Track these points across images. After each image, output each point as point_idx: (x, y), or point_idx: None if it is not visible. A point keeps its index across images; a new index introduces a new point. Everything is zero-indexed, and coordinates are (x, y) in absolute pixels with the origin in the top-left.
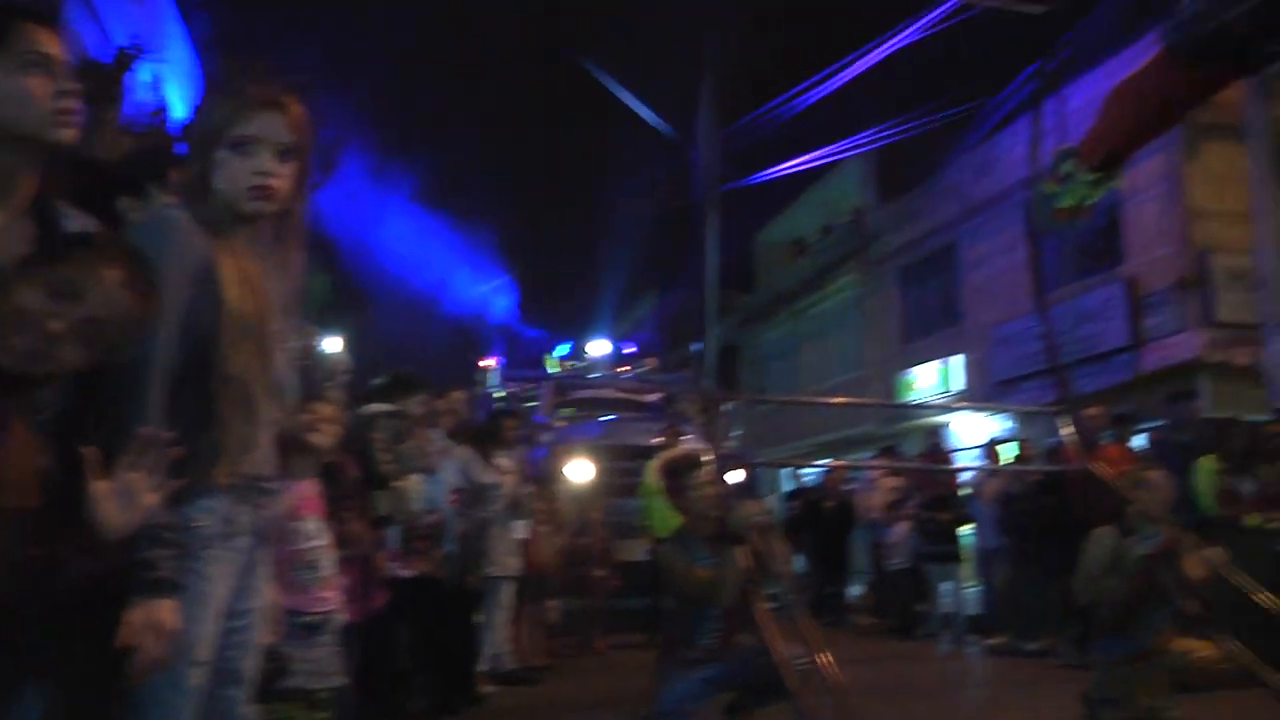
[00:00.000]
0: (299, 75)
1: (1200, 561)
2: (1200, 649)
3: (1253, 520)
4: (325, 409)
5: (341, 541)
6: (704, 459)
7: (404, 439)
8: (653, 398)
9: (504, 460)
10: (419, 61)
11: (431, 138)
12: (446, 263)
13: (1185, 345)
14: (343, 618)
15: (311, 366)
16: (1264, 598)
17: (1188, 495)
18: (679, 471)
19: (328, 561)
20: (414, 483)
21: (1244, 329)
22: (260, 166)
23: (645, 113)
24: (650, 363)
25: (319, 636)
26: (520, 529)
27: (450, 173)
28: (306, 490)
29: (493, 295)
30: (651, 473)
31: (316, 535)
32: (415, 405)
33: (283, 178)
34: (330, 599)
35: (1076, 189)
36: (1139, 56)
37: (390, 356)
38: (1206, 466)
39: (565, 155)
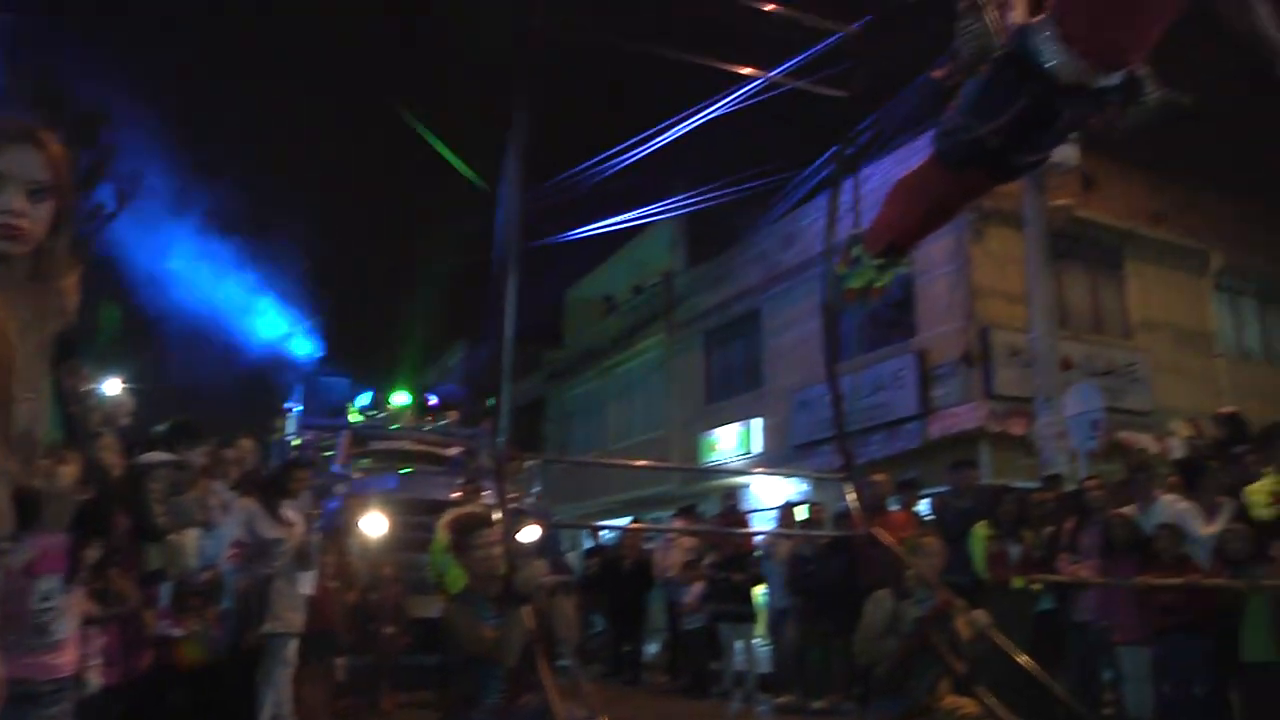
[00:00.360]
0: (90, 103)
1: (968, 623)
2: (967, 706)
3: (1018, 583)
4: (71, 456)
5: (105, 598)
6: (493, 517)
7: (183, 490)
8: (453, 451)
9: (290, 512)
10: (231, 97)
11: (238, 173)
12: (247, 303)
13: (968, 416)
14: (96, 682)
15: (84, 410)
16: (1023, 659)
17: (965, 559)
18: (466, 530)
19: (66, 623)
20: (190, 537)
21: (1020, 401)
22: (7, 205)
23: (457, 163)
24: (452, 415)
25: (46, 709)
26: (306, 583)
27: (256, 209)
28: (49, 546)
29: (295, 339)
30: (440, 530)
31: (53, 596)
32: (198, 455)
33: (34, 217)
34: (65, 665)
35: (864, 272)
36: (929, 147)
37: (181, 399)
38: (980, 532)
39: (378, 201)
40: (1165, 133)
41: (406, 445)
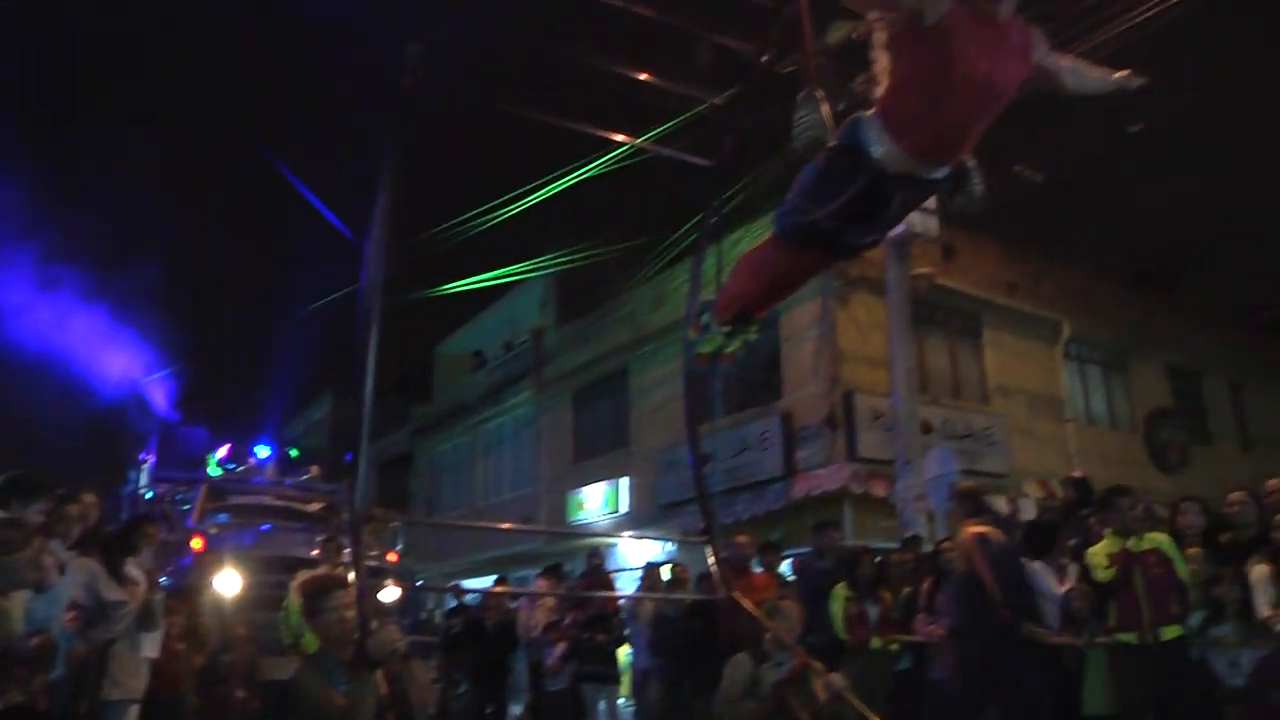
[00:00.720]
0: None
1: (825, 685)
2: None
3: (876, 643)
4: None
5: None
6: (347, 579)
7: (14, 550)
8: (315, 507)
9: (135, 570)
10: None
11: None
12: (97, 347)
13: (831, 477)
14: None
15: None
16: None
17: (826, 619)
18: (318, 592)
19: None
20: (18, 600)
21: (881, 464)
22: None
23: (328, 214)
24: (315, 470)
25: None
26: (150, 645)
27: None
28: None
29: (150, 388)
30: (292, 593)
31: None
32: (33, 513)
33: None
34: None
35: (713, 338)
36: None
37: (19, 449)
38: (839, 593)
39: (243, 247)
40: (1020, 207)
41: (266, 500)
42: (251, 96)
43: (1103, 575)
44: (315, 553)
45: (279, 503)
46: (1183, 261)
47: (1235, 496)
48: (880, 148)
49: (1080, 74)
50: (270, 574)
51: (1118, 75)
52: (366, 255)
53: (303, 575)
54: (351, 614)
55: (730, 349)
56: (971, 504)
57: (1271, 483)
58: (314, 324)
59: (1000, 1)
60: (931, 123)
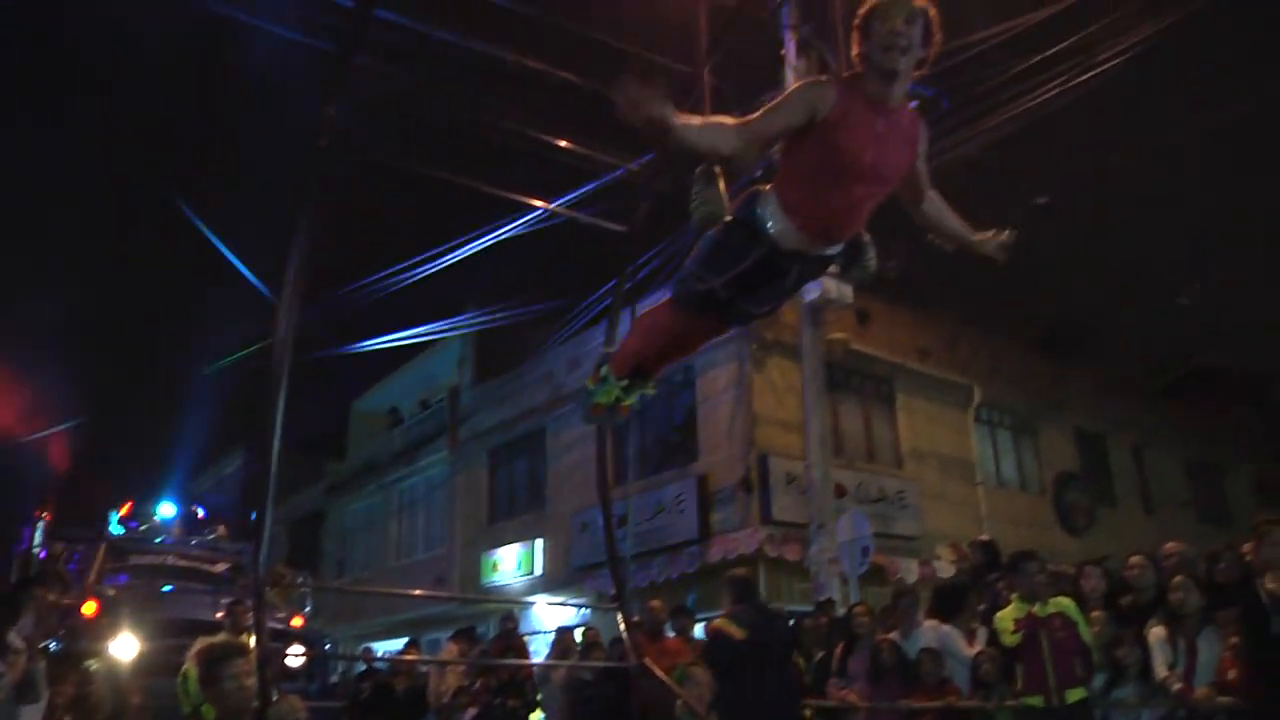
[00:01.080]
0: None
1: None
2: None
3: None
4: None
5: None
6: (247, 645)
7: None
8: (221, 568)
9: (15, 639)
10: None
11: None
12: None
13: (746, 540)
14: None
15: None
16: None
17: None
18: (216, 660)
19: None
20: None
21: (796, 527)
22: None
23: (242, 268)
24: (222, 529)
25: None
26: (30, 718)
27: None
28: None
29: (49, 440)
30: (189, 659)
31: None
32: None
33: None
34: None
35: (610, 390)
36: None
37: None
38: None
39: (151, 299)
40: (932, 275)
41: (169, 560)
42: (168, 150)
43: (1009, 640)
44: (220, 615)
45: (183, 563)
46: (1087, 328)
47: (1135, 560)
48: (775, 224)
49: (942, 209)
50: (171, 638)
51: (989, 236)
52: (278, 308)
53: (200, 642)
54: (252, 682)
55: (627, 403)
56: (735, 590)
57: (1169, 546)
58: (227, 378)
59: (892, 85)
60: (821, 205)
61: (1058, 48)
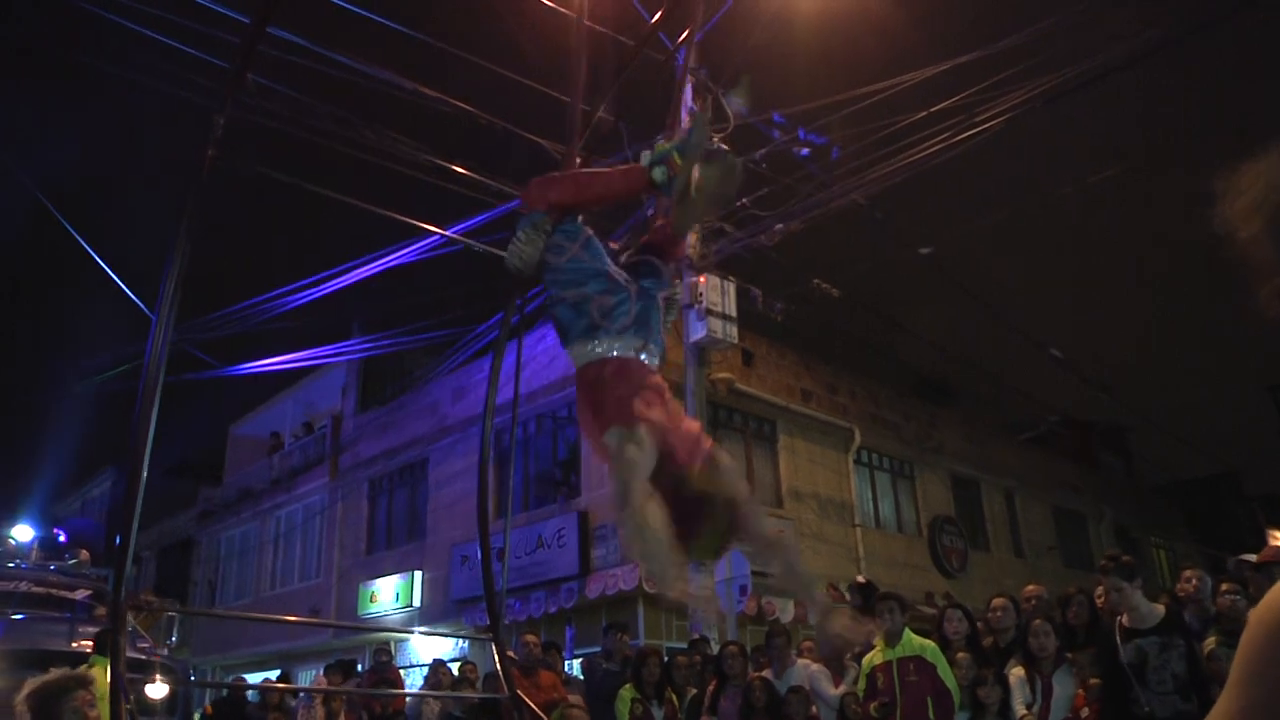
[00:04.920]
0: None
1: None
2: None
3: None
4: None
5: None
6: (86, 676)
7: None
8: (80, 595)
9: None
10: None
11: None
12: None
13: (626, 577)
14: None
15: None
16: None
17: None
18: (54, 696)
19: None
20: None
21: None
22: None
23: (119, 283)
24: (84, 554)
25: None
26: None
27: None
28: None
29: None
30: (18, 703)
31: None
32: None
33: None
34: None
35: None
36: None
37: None
38: (625, 694)
39: (17, 314)
40: (816, 320)
41: (23, 586)
42: (46, 160)
43: (862, 681)
44: (81, 645)
45: (38, 589)
46: (964, 377)
47: (997, 602)
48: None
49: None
50: (19, 670)
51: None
52: (153, 326)
53: (29, 684)
54: (95, 713)
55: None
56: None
57: (1028, 589)
58: (98, 397)
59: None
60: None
61: (939, 106)
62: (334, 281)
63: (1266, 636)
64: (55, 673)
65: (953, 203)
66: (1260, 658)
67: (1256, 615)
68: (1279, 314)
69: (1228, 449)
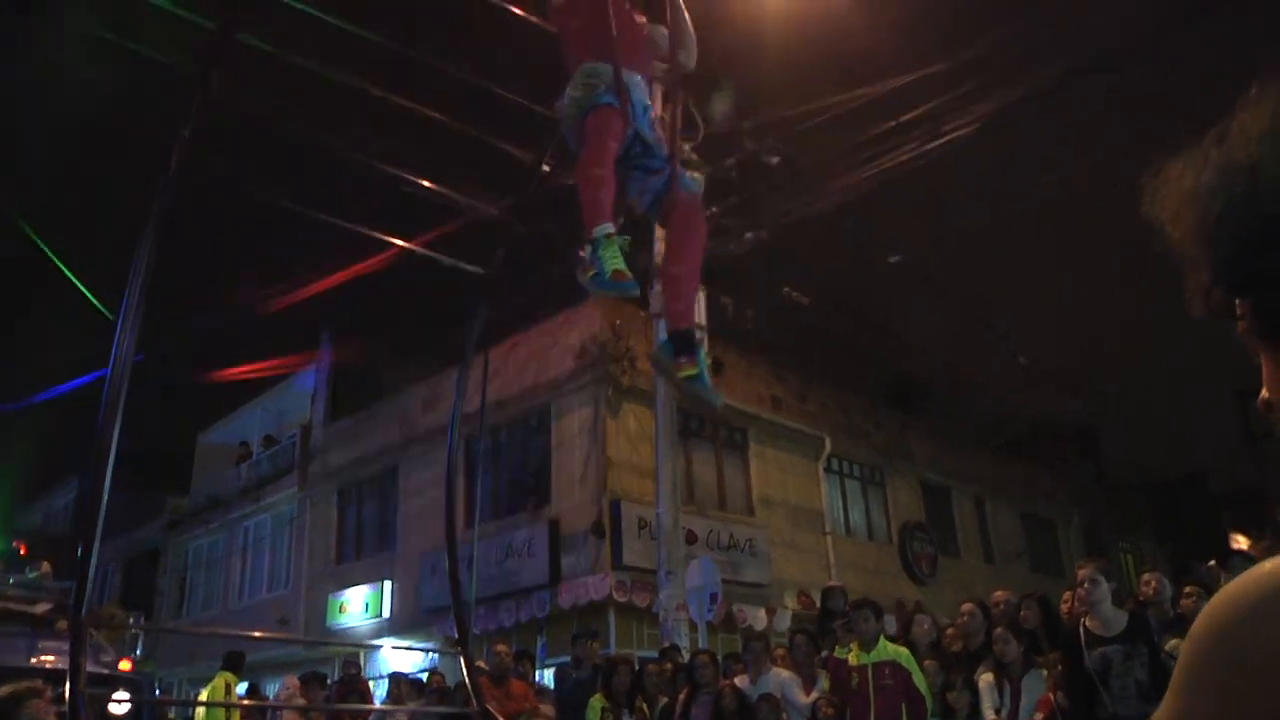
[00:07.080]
0: None
1: None
2: None
3: None
4: None
5: None
6: (39, 687)
7: None
8: (41, 608)
9: None
10: None
11: None
12: None
13: (597, 586)
14: None
15: None
16: None
17: None
18: (10, 705)
19: None
20: None
21: (646, 573)
22: None
23: (81, 287)
24: (46, 567)
25: None
26: None
27: None
28: None
29: None
30: None
31: None
32: None
33: None
34: None
35: (613, 247)
36: (564, 324)
37: None
38: (596, 703)
39: None
40: (786, 327)
41: None
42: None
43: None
44: (35, 661)
45: None
46: (933, 384)
47: (966, 608)
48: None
49: None
50: None
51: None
52: (119, 333)
53: None
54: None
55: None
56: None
57: (997, 595)
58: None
59: None
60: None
61: (907, 116)
62: (305, 290)
63: (1207, 640)
64: (7, 687)
65: (926, 209)
66: (1200, 663)
67: (1200, 619)
68: (1203, 314)
69: (1194, 450)
